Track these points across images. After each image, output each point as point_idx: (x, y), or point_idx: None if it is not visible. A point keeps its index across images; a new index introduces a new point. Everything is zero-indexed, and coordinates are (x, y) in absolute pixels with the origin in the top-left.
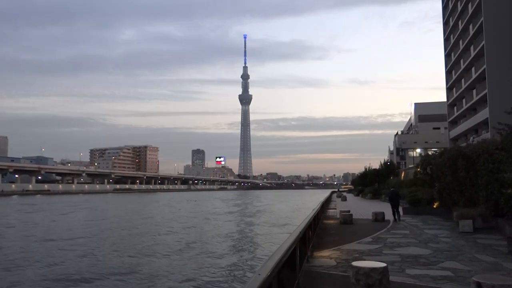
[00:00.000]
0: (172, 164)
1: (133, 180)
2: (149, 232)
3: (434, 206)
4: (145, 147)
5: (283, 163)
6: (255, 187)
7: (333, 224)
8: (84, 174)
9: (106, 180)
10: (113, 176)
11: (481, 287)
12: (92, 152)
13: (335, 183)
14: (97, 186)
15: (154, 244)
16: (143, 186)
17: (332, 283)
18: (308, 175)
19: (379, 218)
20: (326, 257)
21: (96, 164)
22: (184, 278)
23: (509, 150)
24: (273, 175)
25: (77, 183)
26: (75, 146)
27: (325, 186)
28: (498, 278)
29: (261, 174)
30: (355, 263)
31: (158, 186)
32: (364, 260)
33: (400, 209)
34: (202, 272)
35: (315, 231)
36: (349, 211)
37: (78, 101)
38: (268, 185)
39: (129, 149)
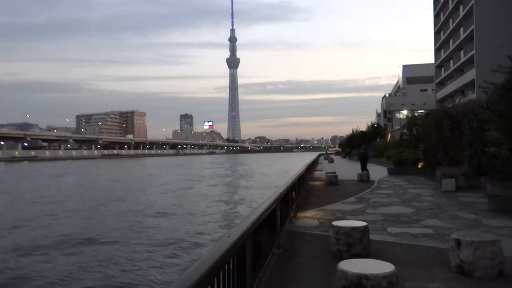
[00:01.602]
0: (160, 129)
1: (121, 145)
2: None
3: (419, 166)
4: (132, 112)
5: (272, 126)
6: (244, 150)
7: (318, 186)
8: (71, 140)
9: (93, 146)
10: (100, 141)
11: (460, 244)
12: (78, 118)
13: (323, 145)
14: (85, 151)
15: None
16: (132, 151)
17: (313, 243)
18: (296, 139)
19: (364, 178)
20: (310, 217)
21: (82, 130)
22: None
23: (494, 109)
24: (261, 139)
25: (64, 149)
26: (60, 112)
27: (313, 149)
28: (477, 234)
29: (250, 138)
30: (335, 223)
31: (146, 151)
32: (346, 219)
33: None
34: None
35: (300, 192)
36: (334, 172)
37: (61, 66)
38: (257, 148)
39: (116, 115)
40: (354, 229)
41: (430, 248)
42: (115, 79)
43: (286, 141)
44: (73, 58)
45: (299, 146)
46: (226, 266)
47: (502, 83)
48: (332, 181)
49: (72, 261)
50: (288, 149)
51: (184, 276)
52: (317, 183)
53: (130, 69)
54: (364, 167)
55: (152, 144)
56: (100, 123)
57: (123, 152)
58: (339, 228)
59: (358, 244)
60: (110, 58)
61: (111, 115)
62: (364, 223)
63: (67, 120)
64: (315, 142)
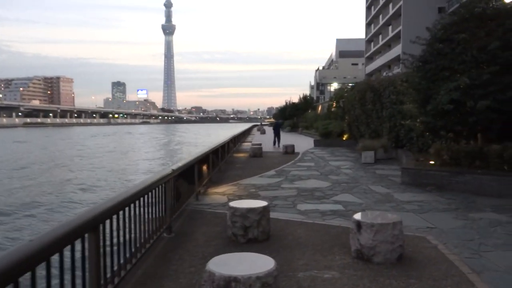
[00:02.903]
0: (89, 97)
1: (45, 113)
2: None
3: (344, 138)
4: (58, 78)
5: (208, 96)
6: (180, 121)
7: (242, 158)
8: None
9: (14, 114)
10: (22, 109)
11: (360, 226)
12: None
13: (260, 117)
14: (4, 120)
15: None
16: (58, 120)
17: (213, 225)
18: (233, 109)
19: (289, 150)
20: (220, 193)
21: (1, 96)
22: None
23: (410, 81)
24: (198, 109)
25: None
26: None
27: (249, 120)
28: (379, 215)
29: (186, 108)
30: (232, 203)
31: (74, 120)
32: (258, 196)
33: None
34: None
35: (218, 165)
36: (260, 144)
37: None
38: (193, 119)
39: (39, 80)
40: (251, 210)
41: (335, 228)
42: (39, 42)
43: (223, 111)
44: None
45: (236, 117)
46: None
47: (419, 55)
48: (256, 153)
49: None
50: (225, 120)
51: None
52: (242, 155)
53: (56, 32)
54: (276, 137)
55: (81, 113)
56: (21, 88)
57: (48, 120)
58: (235, 209)
59: (256, 227)
60: (33, 18)
61: (34, 81)
62: (263, 203)
63: None
64: (252, 113)
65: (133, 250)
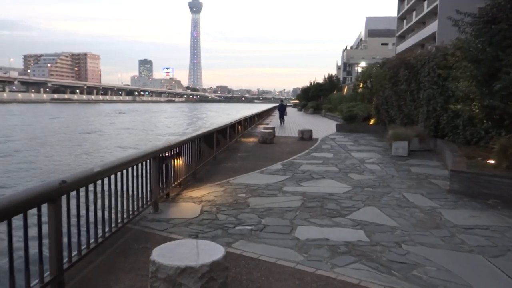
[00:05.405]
0: (116, 74)
1: (72, 90)
2: None
3: (371, 123)
4: (85, 54)
5: (234, 76)
6: (204, 100)
7: (250, 144)
8: (16, 82)
9: (42, 89)
10: (49, 84)
11: None
12: (26, 58)
13: (285, 97)
14: (32, 95)
15: None
16: (84, 97)
17: (146, 270)
18: (258, 89)
19: (305, 136)
20: (197, 199)
21: (30, 71)
22: None
23: (467, 49)
24: (223, 88)
25: (9, 91)
26: (5, 51)
27: (274, 100)
28: None
29: (211, 87)
30: (156, 255)
31: (100, 97)
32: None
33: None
34: None
35: (213, 155)
36: (272, 128)
37: (5, 1)
38: (218, 98)
39: (67, 56)
40: (186, 271)
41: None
42: (68, 19)
43: (248, 91)
44: None
45: (261, 97)
46: None
47: (479, 13)
48: (266, 138)
49: None
50: (250, 100)
51: None
52: (251, 139)
53: (84, 8)
54: (282, 117)
55: (107, 90)
56: (49, 64)
57: (75, 97)
58: (158, 266)
59: None
60: None
61: (61, 57)
62: (216, 256)
63: (11, 59)
64: (277, 93)
65: None
